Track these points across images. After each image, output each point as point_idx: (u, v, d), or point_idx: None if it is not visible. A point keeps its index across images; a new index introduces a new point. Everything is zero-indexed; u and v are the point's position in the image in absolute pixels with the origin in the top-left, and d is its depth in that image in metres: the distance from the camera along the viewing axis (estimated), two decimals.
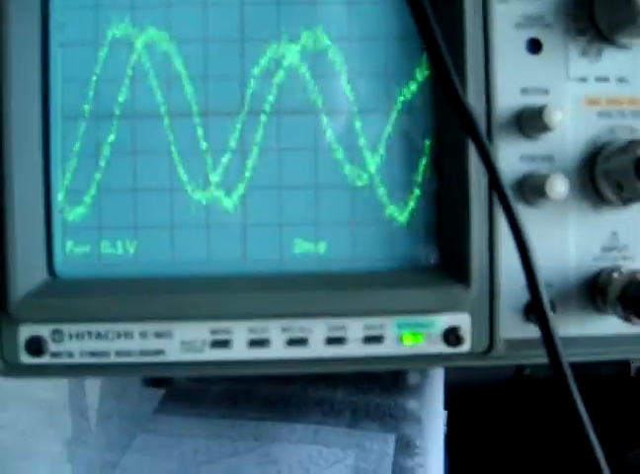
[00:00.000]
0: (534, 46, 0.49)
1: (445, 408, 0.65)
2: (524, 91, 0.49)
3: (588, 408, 0.38)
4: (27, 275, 0.47)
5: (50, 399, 0.60)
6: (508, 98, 0.49)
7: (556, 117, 0.46)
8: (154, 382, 0.60)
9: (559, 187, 0.46)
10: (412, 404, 0.60)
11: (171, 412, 0.60)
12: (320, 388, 0.60)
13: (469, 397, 0.71)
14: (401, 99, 0.49)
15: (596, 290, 0.49)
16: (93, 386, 0.61)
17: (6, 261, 0.46)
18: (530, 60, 0.49)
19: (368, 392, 0.61)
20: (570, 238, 0.49)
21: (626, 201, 0.48)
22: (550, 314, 0.40)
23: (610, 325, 0.49)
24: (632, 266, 0.49)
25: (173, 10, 0.48)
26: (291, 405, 0.59)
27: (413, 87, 0.49)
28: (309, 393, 0.60)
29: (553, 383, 0.44)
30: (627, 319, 0.46)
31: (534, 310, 0.41)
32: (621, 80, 0.49)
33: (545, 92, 0.49)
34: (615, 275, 0.48)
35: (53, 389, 0.61)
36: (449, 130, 0.47)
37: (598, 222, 0.49)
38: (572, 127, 0.49)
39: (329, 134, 0.49)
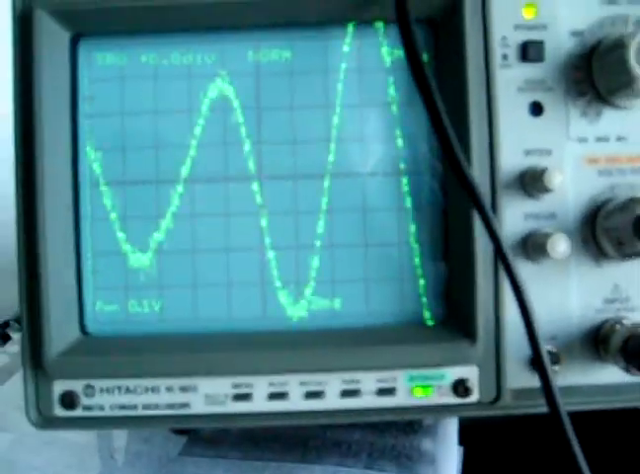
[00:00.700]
0: (536, 109, 0.51)
1: (461, 444, 0.68)
2: (527, 152, 0.51)
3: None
4: (60, 334, 0.50)
5: (81, 442, 0.63)
6: (511, 159, 0.51)
7: (556, 179, 0.48)
8: (179, 430, 0.63)
9: (561, 246, 0.48)
10: (427, 444, 0.62)
11: (195, 454, 0.62)
12: (338, 431, 0.63)
13: (486, 432, 0.73)
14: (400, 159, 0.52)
15: (598, 341, 0.51)
16: (119, 431, 0.64)
17: (41, 321, 0.49)
18: (533, 123, 0.51)
19: (384, 433, 0.63)
20: (573, 291, 0.51)
21: (626, 257, 0.49)
22: (550, 369, 0.43)
23: (613, 374, 0.51)
24: (634, 317, 0.51)
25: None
26: (310, 447, 0.61)
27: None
28: (327, 435, 0.62)
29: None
30: (627, 370, 0.48)
31: (536, 365, 0.43)
32: (620, 139, 0.51)
33: (548, 153, 0.51)
34: (618, 326, 0.50)
35: (84, 433, 0.63)
36: (456, 196, 0.49)
37: (600, 276, 0.51)
38: (573, 186, 0.51)
39: (343, 199, 0.51)
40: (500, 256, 0.44)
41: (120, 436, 0.64)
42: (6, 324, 0.79)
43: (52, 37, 0.50)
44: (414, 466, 0.59)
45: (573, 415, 0.45)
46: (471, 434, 0.69)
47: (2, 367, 0.73)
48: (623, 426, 0.68)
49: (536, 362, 0.44)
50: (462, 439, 0.67)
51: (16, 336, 0.77)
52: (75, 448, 0.62)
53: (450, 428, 0.64)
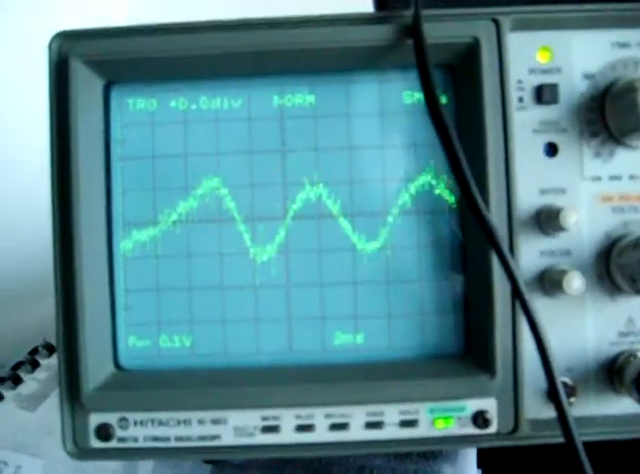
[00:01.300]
0: (551, 150, 0.53)
1: (480, 467, 0.69)
2: (543, 191, 0.53)
3: None
4: (96, 369, 0.52)
5: (110, 468, 0.65)
6: (528, 198, 0.53)
7: (571, 218, 0.50)
8: (210, 460, 0.65)
9: (575, 283, 0.50)
10: (446, 469, 0.64)
11: None
12: (361, 456, 0.65)
13: (503, 456, 0.74)
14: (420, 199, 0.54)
15: (613, 373, 0.53)
16: None
17: (78, 357, 0.51)
18: (548, 163, 0.53)
19: (405, 459, 0.65)
20: (588, 325, 0.53)
21: (639, 293, 0.51)
22: (565, 402, 0.45)
23: (627, 405, 0.52)
24: None
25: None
26: (334, 472, 0.63)
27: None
28: (350, 461, 0.64)
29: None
30: None
31: (552, 398, 0.45)
32: (633, 177, 0.53)
33: (562, 191, 0.53)
34: (632, 359, 0.52)
35: None
36: (474, 234, 0.51)
37: (614, 310, 0.53)
38: (588, 223, 0.53)
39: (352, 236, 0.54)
40: (517, 297, 0.46)
41: (147, 462, 0.65)
42: (35, 351, 0.81)
43: (87, 84, 0.52)
44: None
45: (590, 444, 0.47)
46: (489, 457, 0.70)
47: (32, 394, 0.75)
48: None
49: (552, 396, 0.45)
50: (481, 463, 0.68)
51: (44, 362, 0.79)
52: None
53: (469, 452, 0.65)
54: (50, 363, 0.80)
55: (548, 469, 0.74)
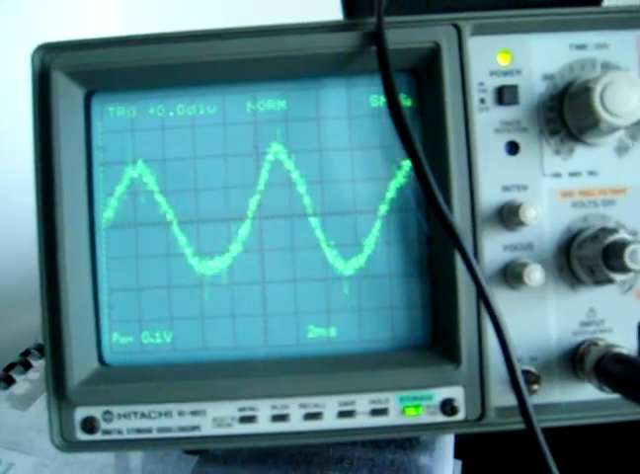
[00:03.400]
0: (512, 148, 0.56)
1: (460, 457, 0.71)
2: (505, 188, 0.55)
3: None
4: (80, 365, 0.54)
5: (100, 463, 0.67)
6: (490, 195, 0.55)
7: (531, 213, 0.52)
8: (191, 450, 0.67)
9: (536, 276, 0.52)
10: (424, 459, 0.66)
11: (207, 472, 0.66)
12: (339, 448, 0.67)
13: (482, 447, 0.76)
14: (389, 197, 0.56)
15: (575, 362, 0.55)
16: (136, 452, 0.68)
17: (63, 354, 0.54)
18: (509, 161, 0.56)
19: (384, 449, 0.67)
20: (551, 315, 0.55)
21: (598, 284, 0.54)
22: (525, 390, 0.47)
23: (589, 392, 0.55)
24: (610, 338, 0.55)
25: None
26: (314, 464, 0.65)
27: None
28: (330, 452, 0.66)
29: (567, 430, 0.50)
30: (601, 389, 0.52)
31: (512, 387, 0.48)
32: (592, 173, 0.56)
33: (524, 188, 0.55)
34: (592, 347, 0.54)
35: (102, 455, 0.68)
36: (439, 232, 0.53)
37: (575, 300, 0.55)
38: (549, 218, 0.55)
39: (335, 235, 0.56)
40: (480, 296, 0.48)
41: (135, 457, 0.68)
42: (27, 352, 0.83)
43: (68, 93, 0.55)
44: None
45: (555, 431, 0.49)
46: (470, 448, 0.72)
47: (25, 394, 0.77)
48: (601, 442, 0.72)
49: (513, 385, 0.48)
50: (461, 453, 0.70)
51: (36, 363, 0.82)
52: (94, 469, 0.66)
53: (447, 443, 0.68)
54: (42, 365, 0.82)
55: (526, 460, 0.75)
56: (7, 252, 0.99)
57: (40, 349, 0.83)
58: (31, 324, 0.83)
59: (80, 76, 0.54)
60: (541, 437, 0.46)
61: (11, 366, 0.80)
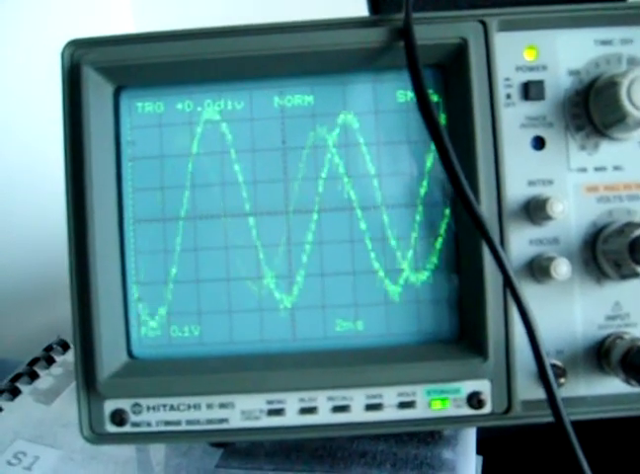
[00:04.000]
0: (538, 143, 0.56)
1: (481, 453, 0.72)
2: (531, 183, 0.56)
3: None
4: (110, 358, 0.55)
5: (124, 457, 0.68)
6: (516, 190, 0.55)
7: (558, 207, 0.53)
8: (217, 443, 0.68)
9: (562, 269, 0.52)
10: (447, 454, 0.66)
11: (231, 466, 0.67)
12: (363, 442, 0.67)
13: (504, 443, 0.76)
14: (422, 192, 0.56)
15: (601, 355, 0.55)
16: (159, 444, 0.69)
17: (93, 347, 0.54)
18: (535, 156, 0.56)
19: (407, 444, 0.67)
20: (577, 309, 0.56)
21: (624, 278, 0.54)
22: (554, 382, 0.48)
23: (615, 385, 0.55)
24: (634, 332, 0.55)
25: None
26: (337, 458, 0.66)
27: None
28: (353, 446, 0.67)
29: (590, 427, 0.50)
30: (627, 382, 0.52)
31: (541, 380, 0.48)
32: (617, 168, 0.56)
33: (550, 183, 0.56)
34: (618, 341, 0.54)
35: (127, 447, 0.68)
36: (466, 225, 0.54)
37: (601, 294, 0.56)
38: (574, 212, 0.56)
39: (364, 229, 0.56)
40: (508, 285, 0.48)
41: (159, 451, 0.68)
42: (50, 348, 0.84)
43: (98, 89, 0.56)
44: None
45: (583, 425, 0.49)
46: (491, 444, 0.73)
47: (49, 389, 0.78)
48: (629, 436, 0.72)
49: (542, 377, 0.48)
50: (482, 450, 0.70)
51: (59, 359, 0.82)
52: (119, 462, 0.67)
53: (469, 438, 0.68)
54: (65, 360, 0.83)
55: (548, 457, 0.76)
56: (33, 250, 1.00)
57: (62, 345, 0.83)
58: (53, 322, 0.84)
59: (110, 71, 0.55)
60: (571, 430, 0.46)
61: (34, 361, 0.80)
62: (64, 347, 0.84)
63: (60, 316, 0.68)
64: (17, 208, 1.02)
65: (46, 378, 0.79)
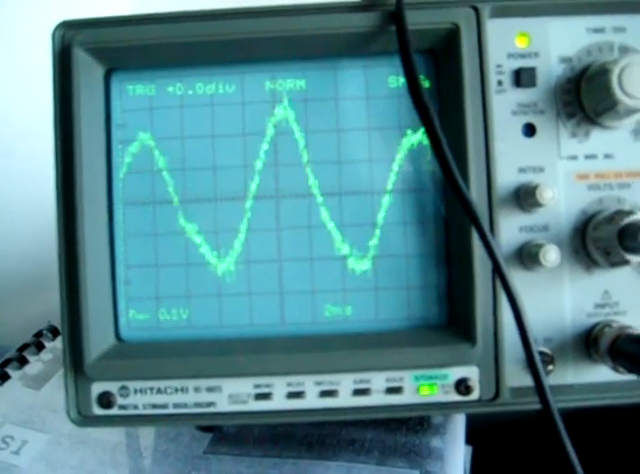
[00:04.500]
0: (529, 131, 0.56)
1: (471, 443, 0.72)
2: (521, 170, 0.56)
3: None
4: (97, 340, 0.55)
5: (112, 442, 0.67)
6: (507, 177, 0.55)
7: (548, 194, 0.53)
8: (205, 427, 0.68)
9: (552, 256, 0.52)
10: (435, 442, 0.66)
11: (219, 452, 0.67)
12: (352, 429, 0.67)
13: (494, 433, 0.76)
14: (405, 178, 0.57)
15: (589, 343, 0.55)
16: (147, 430, 0.69)
17: (80, 330, 0.54)
18: (526, 143, 0.56)
19: (396, 432, 0.67)
20: (566, 297, 0.56)
21: (613, 265, 0.54)
22: (542, 370, 0.48)
23: (603, 373, 0.55)
24: (624, 320, 0.55)
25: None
26: (326, 445, 0.66)
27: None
28: (342, 434, 0.67)
29: (578, 417, 0.50)
30: (615, 369, 0.53)
31: (529, 366, 0.48)
32: (607, 156, 0.56)
33: (540, 170, 0.55)
34: (607, 329, 0.54)
35: (115, 433, 0.68)
36: (456, 210, 0.54)
37: (590, 282, 0.56)
38: (565, 200, 0.56)
39: (353, 215, 0.56)
40: (497, 272, 0.48)
41: (147, 436, 0.68)
42: (40, 334, 0.84)
43: (88, 70, 0.55)
44: (423, 462, 0.63)
45: (570, 415, 0.49)
46: (481, 434, 0.72)
47: (38, 374, 0.78)
48: (615, 426, 0.72)
49: (530, 364, 0.48)
50: (472, 440, 0.70)
51: (49, 345, 0.82)
52: (107, 447, 0.67)
53: (458, 427, 0.68)
54: (55, 346, 0.83)
55: (538, 447, 0.76)
56: (21, 236, 0.99)
57: (52, 330, 0.83)
58: (43, 306, 0.84)
59: (101, 53, 0.55)
60: (558, 418, 0.46)
61: (24, 347, 0.80)
62: (54, 333, 0.84)
63: (51, 306, 0.67)
64: (14, 198, 1.02)
65: (36, 364, 0.79)
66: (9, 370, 0.77)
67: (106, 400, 0.55)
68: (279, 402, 0.55)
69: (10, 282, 1.00)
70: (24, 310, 0.94)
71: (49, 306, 0.76)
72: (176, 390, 0.55)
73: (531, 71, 0.55)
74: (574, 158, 0.55)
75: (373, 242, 0.56)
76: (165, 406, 0.55)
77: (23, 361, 0.78)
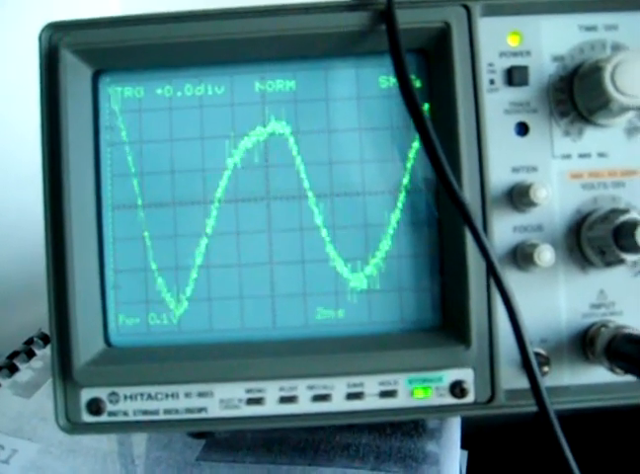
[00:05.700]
0: (522, 129, 0.55)
1: (466, 447, 0.71)
2: (515, 169, 0.55)
3: None
4: (87, 346, 0.54)
5: (104, 450, 0.67)
6: (500, 176, 0.55)
7: (542, 194, 0.52)
8: (198, 434, 0.67)
9: (546, 256, 0.52)
10: (431, 447, 0.65)
11: (212, 459, 0.66)
12: (346, 434, 0.66)
13: (489, 437, 0.76)
14: (397, 179, 0.56)
15: (586, 344, 0.54)
16: (140, 437, 0.68)
17: (69, 335, 0.53)
18: (519, 142, 0.55)
19: (390, 437, 0.66)
20: (561, 297, 0.55)
21: (609, 265, 0.53)
22: (537, 371, 0.47)
23: (599, 374, 0.54)
24: (620, 320, 0.54)
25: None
26: (320, 450, 0.65)
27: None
28: (336, 439, 0.66)
29: (574, 420, 0.50)
30: (612, 370, 0.52)
31: (525, 368, 0.47)
32: (601, 155, 0.55)
33: (534, 169, 0.55)
34: (603, 329, 0.54)
35: (106, 441, 0.67)
36: (449, 211, 0.53)
37: (586, 282, 0.55)
38: (558, 199, 0.55)
39: (344, 216, 0.56)
40: (491, 273, 0.48)
41: (139, 443, 0.67)
42: (30, 341, 0.83)
43: (76, 72, 0.55)
44: (419, 467, 0.63)
45: (567, 416, 0.49)
46: (476, 439, 0.72)
47: (28, 382, 0.77)
48: (613, 427, 0.72)
49: (525, 366, 0.47)
50: (467, 444, 0.70)
51: (40, 352, 0.81)
52: (98, 455, 0.66)
53: (454, 431, 0.67)
54: (46, 353, 0.82)
55: (534, 451, 0.75)
56: (11, 244, 0.99)
57: (43, 338, 0.82)
58: (34, 313, 0.83)
59: (88, 55, 0.54)
60: (555, 420, 0.46)
61: (14, 355, 0.79)
62: (45, 340, 0.83)
63: (42, 309, 0.66)
64: (5, 205, 1.01)
65: (26, 372, 0.78)
66: None
67: (95, 407, 0.54)
68: (271, 407, 0.54)
69: (0, 289, 0.99)
70: (14, 317, 0.93)
71: (40, 313, 0.75)
72: (166, 396, 0.54)
73: (524, 70, 0.54)
74: (567, 157, 0.55)
75: (366, 244, 0.55)
76: (155, 412, 0.54)
77: (13, 369, 0.78)
